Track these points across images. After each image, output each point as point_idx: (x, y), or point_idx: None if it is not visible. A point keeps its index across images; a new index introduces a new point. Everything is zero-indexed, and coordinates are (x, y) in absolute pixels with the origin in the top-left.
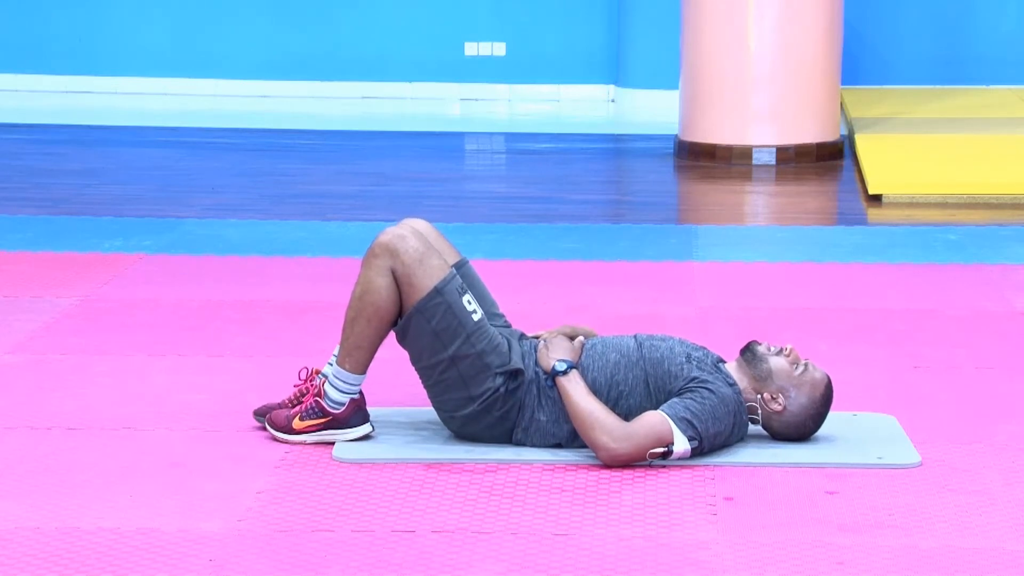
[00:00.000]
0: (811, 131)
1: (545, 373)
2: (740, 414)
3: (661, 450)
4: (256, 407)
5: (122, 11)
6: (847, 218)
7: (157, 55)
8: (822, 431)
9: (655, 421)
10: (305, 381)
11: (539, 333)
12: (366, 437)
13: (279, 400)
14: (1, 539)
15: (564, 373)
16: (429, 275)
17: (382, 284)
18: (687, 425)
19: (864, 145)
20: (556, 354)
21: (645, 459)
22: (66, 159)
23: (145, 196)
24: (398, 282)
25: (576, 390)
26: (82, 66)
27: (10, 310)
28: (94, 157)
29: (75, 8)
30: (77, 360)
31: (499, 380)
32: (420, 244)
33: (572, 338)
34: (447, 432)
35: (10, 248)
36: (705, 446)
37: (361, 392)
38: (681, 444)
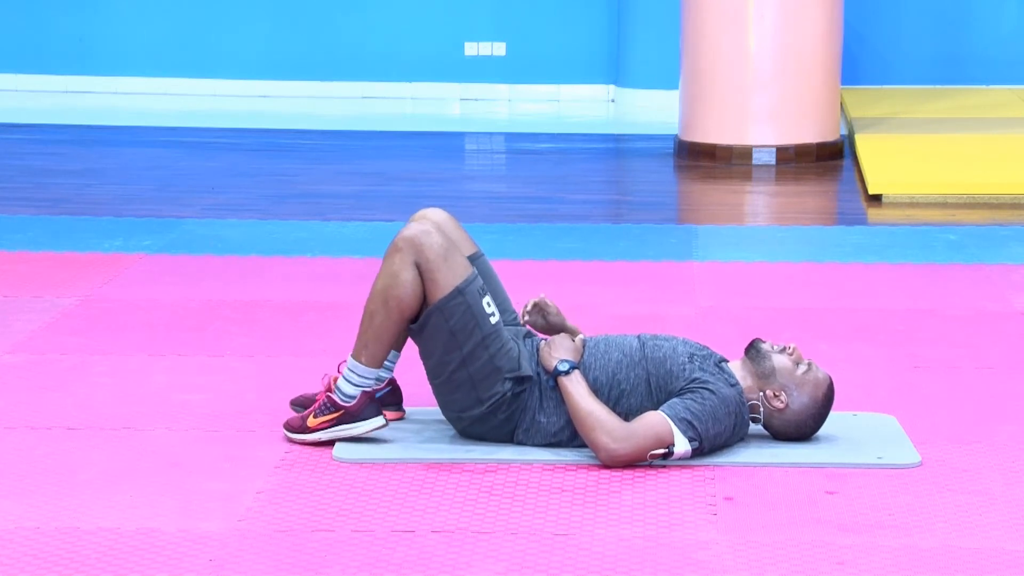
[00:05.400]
0: (811, 131)
1: (547, 373)
2: (741, 414)
3: (662, 451)
4: (292, 397)
5: (122, 11)
6: (847, 218)
7: (157, 55)
8: (822, 431)
9: (655, 422)
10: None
11: (530, 303)
12: (380, 435)
13: (315, 391)
14: (1, 539)
15: (566, 373)
16: (453, 273)
17: (407, 278)
18: (687, 426)
19: (864, 145)
20: (558, 353)
21: (646, 460)
22: (66, 159)
23: (145, 196)
24: (421, 277)
25: (578, 390)
26: (82, 66)
27: (10, 310)
28: (94, 157)
29: (75, 8)
30: (77, 360)
31: (507, 385)
32: (444, 240)
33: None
34: (448, 432)
35: (10, 248)
36: (705, 447)
37: (373, 386)
38: (682, 445)
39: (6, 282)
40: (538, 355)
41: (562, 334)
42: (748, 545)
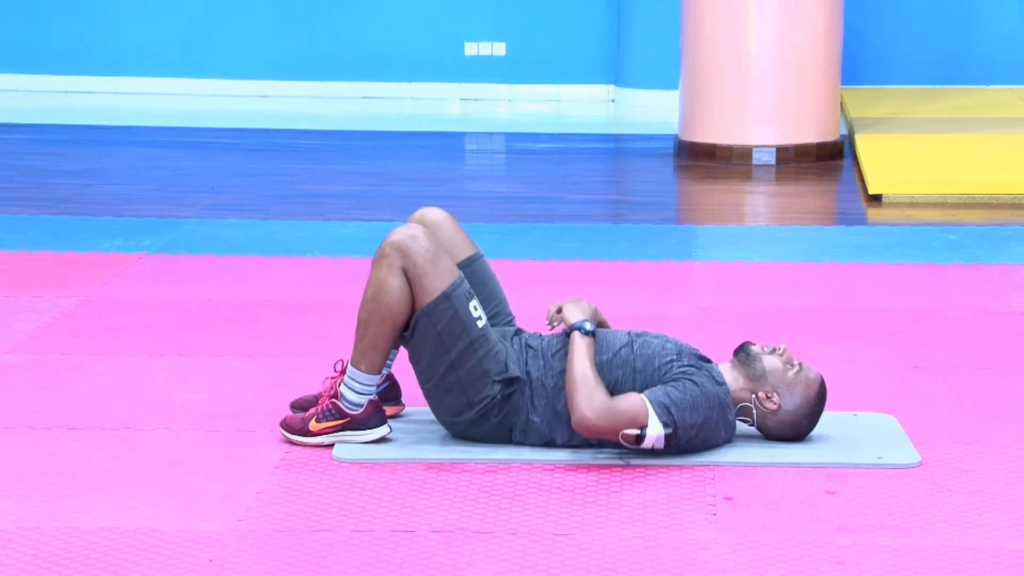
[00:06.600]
0: (811, 131)
1: (566, 325)
2: (724, 412)
3: (635, 432)
4: (292, 400)
5: (122, 11)
6: (847, 218)
7: (157, 55)
8: (823, 431)
9: (634, 401)
10: (341, 374)
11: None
12: (383, 440)
13: (314, 392)
14: (1, 539)
15: (586, 333)
16: (440, 277)
17: (395, 284)
18: (663, 410)
19: (864, 145)
20: (582, 315)
21: (617, 437)
22: (66, 159)
23: (145, 196)
24: (408, 282)
25: (582, 352)
26: (82, 66)
27: (10, 310)
28: (94, 157)
29: (75, 8)
30: (77, 360)
31: (496, 388)
32: (431, 244)
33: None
34: (448, 432)
35: (10, 248)
36: (681, 437)
37: (378, 394)
38: (655, 428)
39: (6, 282)
40: (527, 353)
41: (583, 303)
42: (748, 545)
